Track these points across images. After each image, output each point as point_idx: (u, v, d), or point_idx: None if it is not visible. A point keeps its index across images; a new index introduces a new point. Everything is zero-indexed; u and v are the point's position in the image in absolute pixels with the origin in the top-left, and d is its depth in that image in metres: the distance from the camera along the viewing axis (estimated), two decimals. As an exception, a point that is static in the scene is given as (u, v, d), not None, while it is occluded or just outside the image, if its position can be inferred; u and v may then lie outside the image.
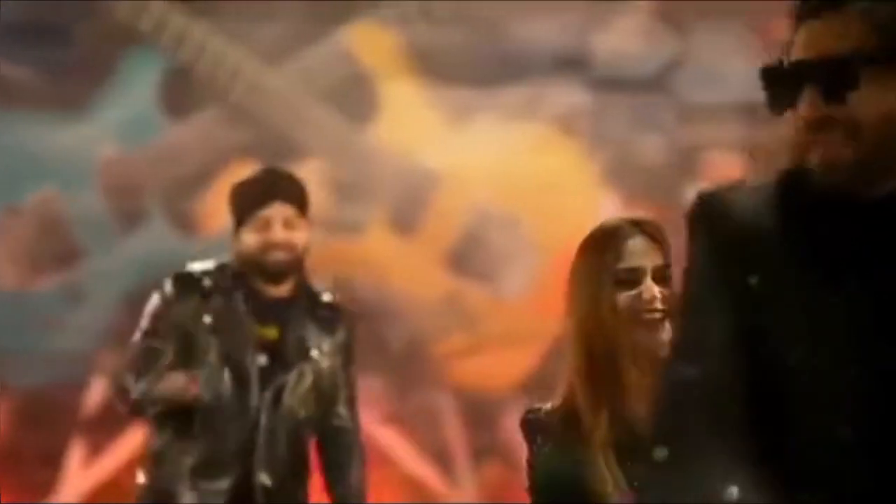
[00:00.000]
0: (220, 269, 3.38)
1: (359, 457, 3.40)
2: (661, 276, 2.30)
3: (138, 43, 5.41)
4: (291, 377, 3.29)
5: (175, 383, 3.30)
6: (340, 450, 3.38)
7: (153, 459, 3.38)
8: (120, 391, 3.41)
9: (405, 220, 5.48)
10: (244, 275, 3.36)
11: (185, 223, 5.42)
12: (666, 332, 2.24)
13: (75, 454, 5.38)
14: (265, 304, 3.31)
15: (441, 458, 5.40)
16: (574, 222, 5.76)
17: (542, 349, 5.50)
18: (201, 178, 5.44)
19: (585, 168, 5.61)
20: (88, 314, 5.36)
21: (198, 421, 3.28)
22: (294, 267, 3.35)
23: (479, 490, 5.42)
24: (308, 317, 3.34)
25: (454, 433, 5.47)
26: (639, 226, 2.41)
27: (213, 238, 5.43)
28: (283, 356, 3.31)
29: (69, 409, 5.35)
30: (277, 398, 3.28)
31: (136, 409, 3.41)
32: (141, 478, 3.42)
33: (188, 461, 3.29)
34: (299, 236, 3.36)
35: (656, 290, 2.28)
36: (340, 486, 3.37)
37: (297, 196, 3.39)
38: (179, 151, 5.45)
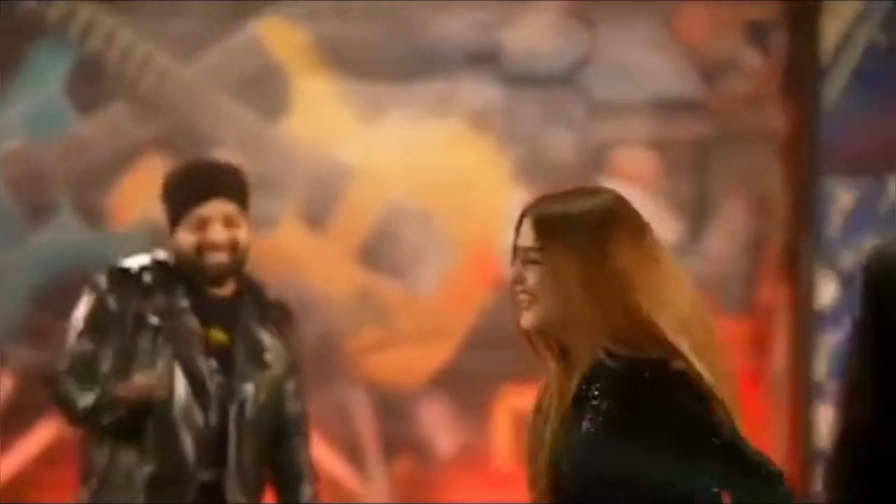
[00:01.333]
0: (159, 264, 3.13)
1: (311, 472, 3.22)
2: (528, 259, 2.28)
3: (45, 34, 5.34)
4: (250, 387, 3.07)
5: (138, 385, 3.03)
6: (293, 467, 3.20)
7: (100, 475, 3.11)
8: (62, 401, 3.14)
9: (317, 215, 5.47)
10: (183, 273, 3.12)
11: (94, 216, 5.36)
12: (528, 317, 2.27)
13: (-20, 451, 5.30)
14: (209, 304, 3.09)
15: (353, 454, 5.40)
16: (485, 218, 5.80)
17: (455, 343, 5.51)
18: (111, 171, 5.38)
19: (497, 164, 5.63)
20: (-9, 308, 5.29)
21: (151, 430, 3.04)
22: (236, 268, 3.12)
23: (391, 485, 5.42)
24: (256, 318, 3.13)
25: (366, 428, 5.47)
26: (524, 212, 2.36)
27: (123, 232, 5.38)
28: (235, 362, 3.08)
29: (-26, 407, 5.27)
30: (241, 410, 3.06)
31: (86, 420, 3.12)
32: (84, 496, 3.16)
33: (142, 474, 3.05)
34: (241, 234, 3.12)
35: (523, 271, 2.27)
36: (291, 498, 3.18)
37: (236, 190, 3.16)
38: (88, 144, 5.38)
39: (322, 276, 5.44)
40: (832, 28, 5.62)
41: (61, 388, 3.14)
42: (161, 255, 3.19)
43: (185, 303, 3.07)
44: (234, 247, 3.11)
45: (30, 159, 5.37)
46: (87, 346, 3.11)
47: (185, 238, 3.11)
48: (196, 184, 3.16)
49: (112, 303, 3.11)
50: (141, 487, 3.05)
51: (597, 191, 2.43)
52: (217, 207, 3.11)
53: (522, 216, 2.37)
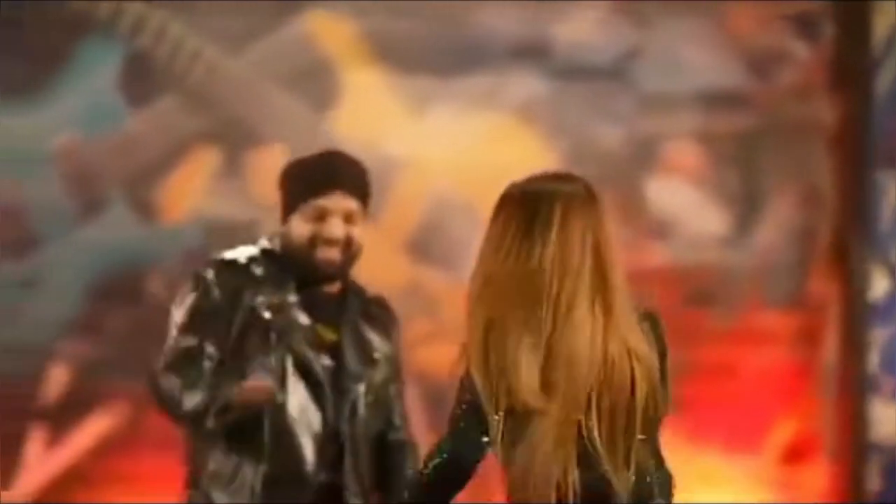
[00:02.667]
0: (266, 254, 2.93)
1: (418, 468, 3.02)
2: None
3: (95, 30, 5.38)
4: (361, 387, 2.92)
5: (254, 389, 2.80)
6: (398, 466, 3.03)
7: (212, 475, 2.90)
8: (166, 400, 2.89)
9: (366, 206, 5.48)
10: (292, 265, 2.91)
11: (145, 211, 5.40)
12: None
13: (35, 442, 5.35)
14: (317, 300, 2.92)
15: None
16: (533, 211, 5.81)
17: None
18: (161, 166, 5.42)
19: (544, 157, 5.63)
20: (47, 302, 5.34)
21: (266, 429, 2.85)
22: (345, 267, 2.95)
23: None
24: (362, 317, 2.98)
25: (415, 420, 5.48)
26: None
27: (174, 226, 5.42)
28: (346, 361, 2.92)
29: (28, 400, 5.33)
30: (353, 410, 2.92)
31: (194, 421, 2.88)
32: (196, 496, 2.96)
33: (258, 475, 2.86)
34: (356, 232, 2.96)
35: None
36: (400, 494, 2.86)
37: (360, 187, 2.98)
38: (139, 139, 5.43)
39: (370, 269, 5.42)
40: (883, 21, 5.59)
41: (164, 385, 2.91)
42: (265, 243, 3.00)
43: (293, 297, 2.89)
44: (348, 244, 2.96)
45: (82, 155, 5.42)
46: (190, 341, 2.91)
47: (300, 227, 2.93)
48: (322, 173, 2.97)
49: (217, 295, 2.90)
50: (257, 488, 2.87)
51: (574, 176, 2.57)
52: (340, 201, 2.95)
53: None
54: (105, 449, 5.31)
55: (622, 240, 5.73)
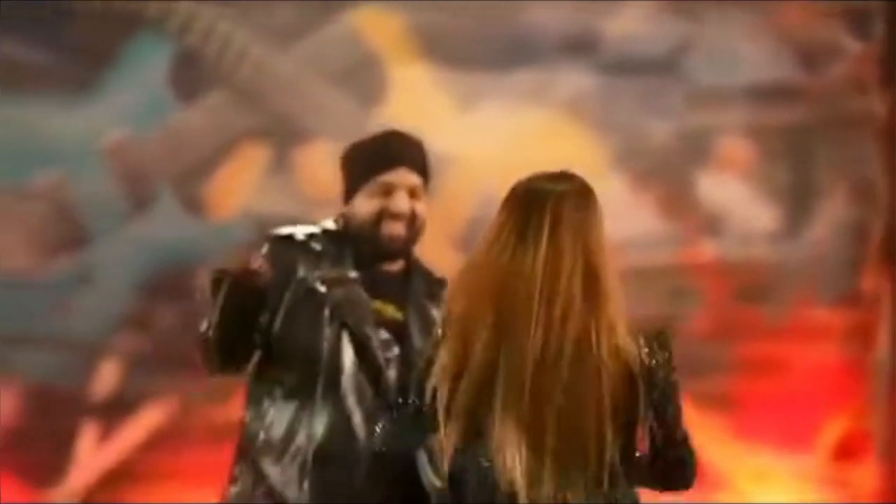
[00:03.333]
0: (327, 233, 2.90)
1: None
2: None
3: (146, 25, 5.41)
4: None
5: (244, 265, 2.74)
6: None
7: (263, 450, 2.87)
8: (204, 355, 2.86)
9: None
10: (356, 243, 2.88)
11: (194, 207, 5.43)
12: None
13: (86, 438, 5.39)
14: (379, 278, 2.88)
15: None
16: (583, 206, 5.79)
17: (551, 333, 5.51)
18: (210, 162, 5.44)
19: (594, 152, 5.61)
20: (98, 298, 5.37)
21: (321, 405, 2.82)
22: (410, 243, 2.91)
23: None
24: (427, 296, 2.92)
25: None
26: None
27: (222, 221, 5.44)
28: (410, 337, 2.87)
29: (79, 394, 5.36)
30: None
31: (208, 346, 2.83)
32: (242, 469, 2.92)
33: (310, 451, 2.82)
34: (421, 207, 2.92)
35: None
36: None
37: (422, 163, 2.95)
38: (188, 135, 5.45)
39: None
40: (936, 13, 5.54)
41: (206, 347, 2.88)
42: (328, 223, 2.97)
43: (354, 274, 2.85)
44: (412, 219, 2.92)
45: (132, 151, 5.44)
46: (224, 300, 2.84)
47: (365, 204, 2.89)
48: (385, 151, 2.96)
49: (267, 274, 2.85)
50: (309, 462, 2.83)
51: (573, 176, 2.66)
52: (404, 176, 2.93)
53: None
54: (155, 444, 5.34)
55: (672, 235, 5.75)
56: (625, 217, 5.61)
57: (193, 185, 5.43)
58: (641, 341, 2.53)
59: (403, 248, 2.93)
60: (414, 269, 2.96)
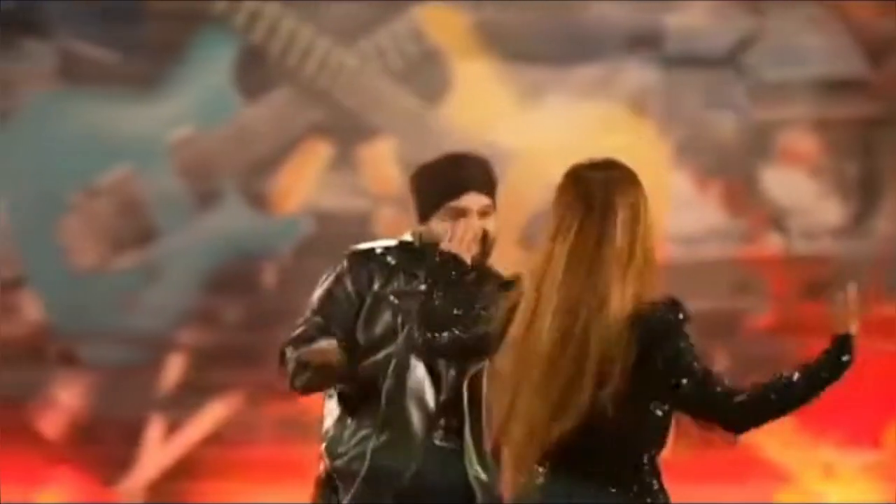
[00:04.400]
0: (403, 245, 3.16)
1: None
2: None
3: (212, 23, 5.45)
4: (485, 364, 3.06)
5: (319, 346, 3.06)
6: None
7: (331, 444, 3.16)
8: (288, 372, 3.13)
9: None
10: (427, 256, 3.06)
11: (259, 202, 5.46)
12: None
13: (153, 432, 5.44)
14: (451, 288, 2.96)
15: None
16: (646, 200, 5.76)
17: (615, 328, 5.49)
18: (275, 158, 5.47)
19: (657, 146, 5.58)
20: (165, 293, 5.42)
21: (384, 404, 3.10)
22: (484, 260, 3.12)
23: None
24: (496, 300, 2.91)
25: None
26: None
27: (286, 216, 5.47)
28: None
29: (148, 387, 5.41)
30: (476, 382, 3.10)
31: (291, 381, 3.12)
32: (322, 465, 3.20)
33: (370, 445, 3.11)
34: (491, 225, 3.13)
35: None
36: None
37: (490, 184, 3.16)
38: (253, 131, 5.48)
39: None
40: None
41: (286, 358, 3.15)
42: (406, 236, 3.20)
43: (423, 287, 2.97)
44: (484, 238, 3.11)
45: (198, 147, 5.49)
46: (317, 321, 3.13)
47: (440, 227, 3.10)
48: (455, 177, 3.14)
49: (349, 283, 3.12)
50: (368, 454, 3.11)
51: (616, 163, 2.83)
52: (474, 200, 3.12)
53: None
54: (220, 438, 5.38)
55: (736, 230, 5.71)
56: (688, 211, 5.58)
57: (258, 181, 5.47)
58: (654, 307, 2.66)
59: (477, 265, 3.09)
60: (484, 275, 3.13)
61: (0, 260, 5.44)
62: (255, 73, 5.46)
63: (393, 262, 3.12)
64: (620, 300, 2.63)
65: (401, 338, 3.06)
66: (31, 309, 5.43)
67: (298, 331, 3.14)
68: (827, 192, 5.60)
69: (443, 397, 3.07)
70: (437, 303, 2.80)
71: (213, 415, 5.36)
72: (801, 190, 5.62)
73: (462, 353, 2.85)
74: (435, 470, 3.07)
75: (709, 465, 5.47)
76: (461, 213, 3.08)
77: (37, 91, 5.45)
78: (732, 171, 5.60)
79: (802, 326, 5.55)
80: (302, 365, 3.08)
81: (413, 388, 3.08)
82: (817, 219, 5.62)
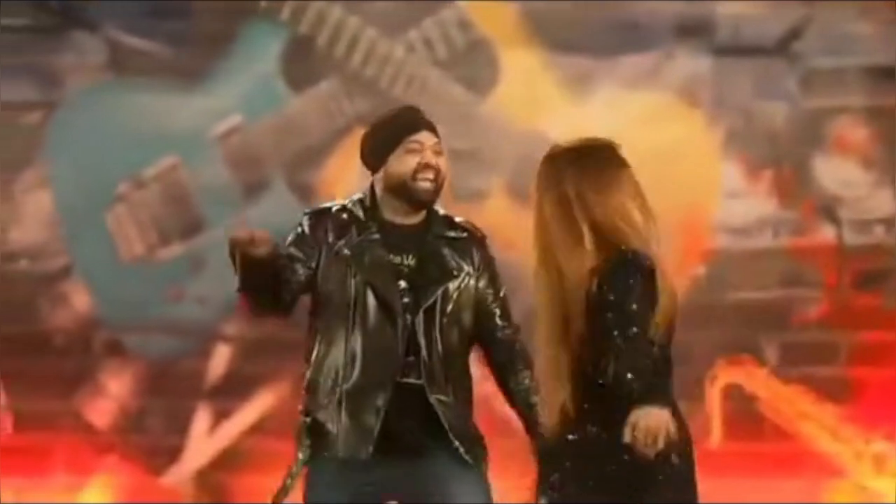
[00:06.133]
0: (354, 203, 3.48)
1: (525, 361, 3.53)
2: None
3: (259, 14, 5.46)
4: (436, 298, 3.41)
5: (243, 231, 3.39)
6: (510, 357, 3.51)
7: (308, 391, 3.46)
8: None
9: (525, 188, 5.46)
10: (378, 207, 3.46)
11: (305, 193, 5.47)
12: None
13: (200, 421, 5.47)
14: (398, 235, 3.43)
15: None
16: (695, 190, 5.72)
17: (663, 318, 5.46)
18: (321, 148, 5.49)
19: (707, 136, 5.55)
20: (212, 283, 5.44)
21: (349, 341, 3.40)
22: (435, 195, 3.46)
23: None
24: (443, 242, 3.46)
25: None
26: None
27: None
28: (424, 280, 3.42)
29: (194, 377, 5.44)
30: (430, 319, 3.40)
31: (240, 289, 3.45)
32: (300, 406, 3.52)
33: (342, 389, 3.39)
34: (443, 163, 3.47)
35: None
36: (514, 384, 3.51)
37: (435, 128, 3.53)
38: (300, 122, 5.50)
39: (528, 248, 5.44)
40: None
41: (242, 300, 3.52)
42: (359, 194, 3.51)
43: (376, 235, 3.41)
44: (438, 172, 3.44)
45: (245, 138, 5.51)
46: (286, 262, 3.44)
47: (401, 164, 3.43)
48: (408, 119, 3.50)
49: (307, 234, 3.46)
50: (341, 397, 3.39)
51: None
52: (428, 137, 3.47)
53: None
54: (267, 427, 5.40)
55: (788, 220, 5.66)
56: (739, 202, 5.54)
57: (305, 172, 5.48)
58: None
59: (431, 200, 3.45)
60: (432, 219, 3.49)
61: (48, 250, 5.49)
62: (302, 64, 5.47)
63: (346, 217, 3.43)
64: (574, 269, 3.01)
65: (353, 287, 3.36)
66: (79, 299, 5.47)
67: None
68: (879, 182, 5.54)
69: (402, 339, 3.36)
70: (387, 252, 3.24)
71: (259, 405, 5.38)
72: (853, 179, 5.57)
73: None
74: (404, 406, 3.35)
75: (759, 458, 5.44)
76: (419, 147, 3.42)
77: (86, 83, 5.49)
78: (783, 161, 5.55)
79: (854, 317, 5.49)
80: (233, 259, 3.38)
81: (373, 333, 3.36)
82: (869, 208, 5.56)
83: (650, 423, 2.87)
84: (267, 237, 3.33)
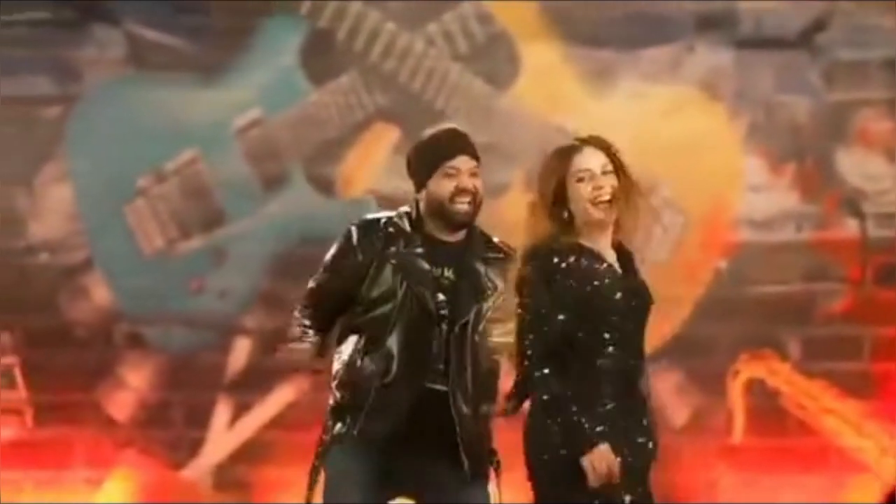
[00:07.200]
0: (402, 216, 3.71)
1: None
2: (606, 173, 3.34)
3: (279, 8, 5.46)
4: (471, 314, 3.61)
5: (303, 352, 3.71)
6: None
7: (340, 386, 3.67)
8: (292, 323, 3.78)
9: (545, 183, 5.45)
10: (423, 222, 3.68)
11: (325, 186, 5.47)
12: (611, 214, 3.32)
13: (220, 414, 5.47)
14: (440, 250, 3.65)
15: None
16: (717, 184, 5.70)
17: (686, 312, 5.44)
18: (341, 142, 5.49)
19: (729, 129, 5.53)
20: (232, 276, 5.45)
21: (386, 344, 3.61)
22: (474, 216, 3.68)
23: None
24: (480, 259, 3.67)
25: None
26: (586, 141, 3.40)
27: (353, 200, 5.47)
28: (461, 293, 3.63)
29: (214, 371, 5.45)
30: (462, 333, 3.60)
31: (290, 342, 3.81)
32: (331, 398, 3.72)
33: (375, 382, 3.60)
34: (480, 186, 3.69)
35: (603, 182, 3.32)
36: None
37: (475, 151, 3.73)
38: (320, 115, 5.50)
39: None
40: None
41: (295, 315, 3.78)
42: (405, 208, 3.74)
43: (420, 249, 3.64)
44: (475, 195, 3.66)
45: (265, 131, 5.51)
46: (323, 278, 3.71)
47: (439, 188, 3.65)
48: (448, 143, 3.71)
49: (359, 254, 3.67)
50: (373, 392, 3.59)
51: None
52: (465, 161, 3.67)
53: (584, 144, 3.39)
54: (287, 421, 5.40)
55: (811, 214, 5.63)
56: (761, 195, 5.52)
57: (324, 165, 5.48)
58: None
59: (469, 221, 3.68)
60: (472, 238, 3.71)
61: (69, 244, 5.50)
62: (322, 57, 5.47)
63: (393, 230, 3.66)
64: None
65: (400, 295, 3.59)
66: (99, 292, 5.48)
67: (307, 292, 3.74)
68: (903, 175, 5.51)
69: (435, 347, 3.57)
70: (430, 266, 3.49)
71: (279, 398, 5.39)
72: (877, 173, 5.54)
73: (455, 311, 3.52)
74: (426, 410, 3.55)
75: (782, 454, 5.41)
76: (456, 172, 3.65)
77: (106, 77, 5.50)
78: (806, 154, 5.53)
79: (878, 312, 5.46)
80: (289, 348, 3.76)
81: (411, 339, 3.58)
82: (893, 202, 5.53)
83: (593, 463, 3.11)
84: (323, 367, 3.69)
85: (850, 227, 5.54)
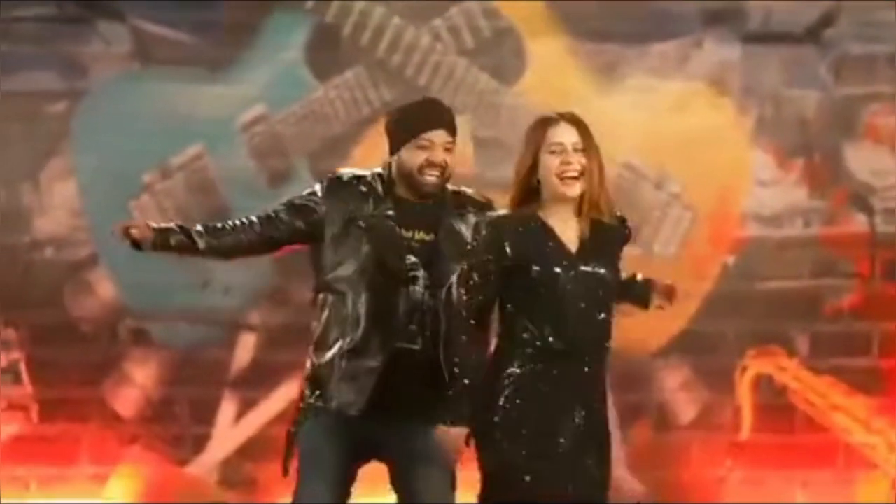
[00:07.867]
0: (374, 177, 3.70)
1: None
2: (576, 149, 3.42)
3: (284, 4, 5.46)
4: (454, 275, 3.54)
5: (146, 229, 3.78)
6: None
7: (315, 347, 3.69)
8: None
9: (551, 178, 5.43)
10: (394, 184, 3.67)
11: (330, 181, 5.45)
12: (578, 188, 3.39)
13: (226, 410, 5.47)
14: (413, 211, 3.64)
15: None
16: (725, 179, 5.69)
17: (694, 307, 5.43)
18: (347, 137, 5.48)
19: (737, 124, 5.51)
20: (237, 273, 5.44)
21: (354, 305, 3.61)
22: (439, 188, 3.67)
23: (629, 452, 5.37)
24: (458, 216, 3.68)
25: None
26: (562, 116, 3.51)
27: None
28: (440, 256, 3.63)
29: (219, 367, 5.44)
30: (448, 292, 3.53)
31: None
32: (307, 363, 3.74)
33: (343, 345, 3.60)
34: (451, 160, 3.69)
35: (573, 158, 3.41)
36: None
37: (453, 125, 3.72)
38: (325, 111, 5.49)
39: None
40: None
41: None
42: (379, 169, 3.73)
43: (390, 212, 3.63)
44: (444, 168, 3.66)
45: (270, 126, 5.50)
46: (276, 207, 3.71)
47: (411, 157, 3.65)
48: (427, 114, 3.71)
49: (322, 207, 3.65)
50: (340, 356, 3.60)
51: None
52: (441, 135, 3.66)
53: (559, 119, 3.51)
54: (292, 417, 5.38)
55: (819, 209, 5.62)
56: (769, 190, 5.51)
57: (330, 161, 5.47)
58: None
59: (436, 191, 3.67)
60: (445, 198, 3.70)
61: (74, 239, 5.50)
62: (328, 53, 5.46)
63: (365, 189, 3.65)
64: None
65: (363, 256, 3.58)
66: (105, 288, 5.48)
67: (258, 213, 3.77)
68: (914, 170, 5.50)
69: (403, 307, 3.57)
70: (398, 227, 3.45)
71: (284, 394, 5.38)
72: (886, 168, 5.52)
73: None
74: (399, 369, 3.56)
75: (791, 450, 5.40)
76: (430, 145, 3.64)
77: (112, 72, 5.49)
78: (814, 149, 5.51)
79: (887, 308, 5.45)
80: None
81: (378, 300, 3.57)
82: (903, 197, 5.52)
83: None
84: (147, 231, 3.73)
85: (858, 223, 5.53)
